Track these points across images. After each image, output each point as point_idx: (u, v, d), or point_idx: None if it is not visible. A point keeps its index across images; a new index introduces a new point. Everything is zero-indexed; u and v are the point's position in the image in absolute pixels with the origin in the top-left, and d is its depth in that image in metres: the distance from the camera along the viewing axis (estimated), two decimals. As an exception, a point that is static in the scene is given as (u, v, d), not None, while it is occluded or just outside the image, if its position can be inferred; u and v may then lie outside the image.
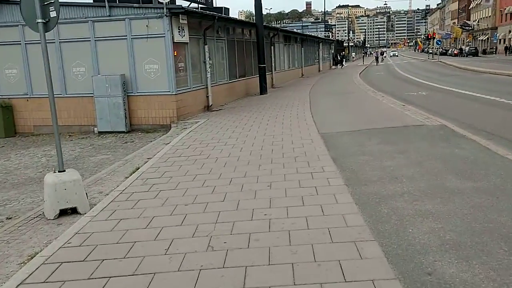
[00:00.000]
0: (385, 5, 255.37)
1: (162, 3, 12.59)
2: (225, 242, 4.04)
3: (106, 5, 12.88)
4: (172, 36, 12.81)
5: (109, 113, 13.04)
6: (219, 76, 16.83)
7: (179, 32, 13.18)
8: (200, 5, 16.88)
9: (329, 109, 12.89)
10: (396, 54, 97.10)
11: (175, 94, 13.00)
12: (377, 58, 57.15)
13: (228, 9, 23.51)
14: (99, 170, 8.26)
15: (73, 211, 5.39)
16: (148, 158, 8.20)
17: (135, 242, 4.21)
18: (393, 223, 4.22)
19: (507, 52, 67.26)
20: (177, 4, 14.85)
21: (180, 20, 13.03)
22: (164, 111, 13.13)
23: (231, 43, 18.15)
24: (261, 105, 15.34)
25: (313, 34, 48.80)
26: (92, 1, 14.12)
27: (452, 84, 20.49)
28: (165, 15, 12.57)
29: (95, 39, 13.15)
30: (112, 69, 13.15)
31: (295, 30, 38.80)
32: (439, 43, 66.49)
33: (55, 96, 5.83)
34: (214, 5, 20.12)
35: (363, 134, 8.56)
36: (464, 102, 13.88)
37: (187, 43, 13.82)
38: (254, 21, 19.68)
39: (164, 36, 12.75)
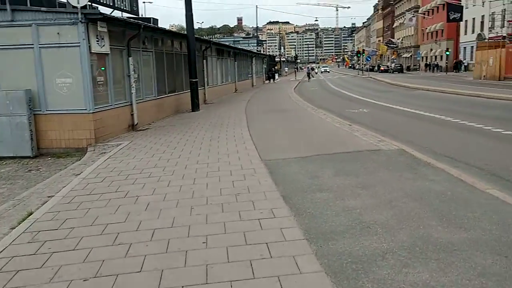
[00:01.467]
0: (315, 21, 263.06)
1: (76, 7, 10.81)
2: None
3: (8, 8, 10.87)
4: (89, 46, 11.04)
5: (10, 134, 10.94)
6: (146, 91, 15.14)
7: (97, 41, 11.43)
8: (124, 13, 15.15)
9: (269, 129, 11.65)
10: (328, 70, 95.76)
11: (93, 112, 11.18)
12: (308, 74, 54.86)
13: (157, 20, 21.86)
14: (-18, 214, 6.37)
15: None
16: (48, 197, 6.43)
17: None
18: (386, 311, 2.92)
19: (428, 69, 70.79)
20: (98, 10, 13.07)
21: (99, 27, 11.28)
22: (80, 132, 11.25)
23: (160, 55, 16.53)
24: (193, 124, 13.83)
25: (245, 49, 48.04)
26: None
27: (390, 100, 20.14)
28: (80, 21, 10.79)
29: (-6, 47, 11.07)
30: (15, 83, 11.09)
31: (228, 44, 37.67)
32: (369, 59, 68.57)
33: None
34: (142, 16, 18.46)
35: (314, 162, 7.34)
36: (410, 121, 13.19)
37: (107, 54, 12.07)
38: (185, 33, 18.19)
39: (79, 46, 10.94)
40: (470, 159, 7.61)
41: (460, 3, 56.42)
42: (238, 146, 9.28)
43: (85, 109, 11.14)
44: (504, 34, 37.37)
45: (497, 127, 10.91)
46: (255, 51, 59.05)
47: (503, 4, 37.24)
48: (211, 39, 25.43)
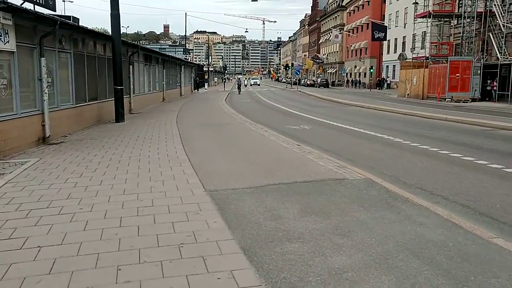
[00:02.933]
0: (246, 31, 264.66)
1: (-28, -8, 8.75)
2: None
3: None
4: (-11, 41, 9.00)
5: None
6: (63, 98, 13.07)
7: None
8: (38, 8, 13.00)
9: (208, 148, 10.20)
10: (258, 83, 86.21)
11: (-9, 122, 9.11)
12: (239, 86, 49.54)
13: (78, 19, 19.60)
14: None
15: None
16: None
17: None
18: None
19: (350, 85, 72.96)
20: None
21: (1, 19, 9.24)
22: (-27, 147, 9.11)
23: (80, 58, 14.50)
24: (118, 138, 12.02)
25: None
26: None
27: (328, 116, 19.44)
28: (-23, 9, 8.75)
29: None
30: None
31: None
32: (298, 73, 69.18)
33: None
34: (61, 13, 16.25)
35: (271, 195, 6.02)
36: (359, 141, 12.20)
37: (12, 52, 10.01)
38: (110, 34, 16.26)
39: (-26, 40, 8.87)
40: (445, 191, 6.70)
41: (384, 23, 58.74)
42: (174, 170, 7.74)
43: (-19, 118, 9.04)
44: (427, 55, 38.87)
45: (452, 151, 10.31)
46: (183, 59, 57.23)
47: (427, 27, 38.75)
48: (139, 44, 23.45)
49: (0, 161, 9.08)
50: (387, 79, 60.65)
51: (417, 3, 40.80)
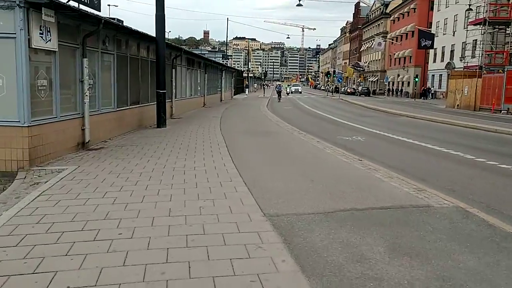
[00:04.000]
0: (287, 38, 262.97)
1: (14, -13, 8.16)
2: None
3: None
4: (29, 39, 8.38)
5: None
6: (104, 101, 12.46)
7: (41, 34, 8.77)
8: (81, 5, 12.44)
9: (259, 159, 9.25)
10: (300, 90, 78.93)
11: (29, 126, 8.46)
12: (279, 93, 45.05)
13: (122, 21, 19.16)
14: None
15: None
16: None
17: None
18: None
19: (391, 94, 70.74)
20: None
21: (44, 16, 8.63)
22: (9, 151, 8.48)
23: (123, 60, 13.90)
24: (160, 145, 11.26)
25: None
26: None
27: (380, 127, 18.12)
28: (18, 5, 8.14)
29: None
30: None
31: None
32: (340, 80, 67.68)
33: None
34: (107, 16, 15.74)
35: (345, 224, 4.98)
36: (425, 157, 10.71)
37: (54, 51, 9.41)
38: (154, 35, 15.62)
39: (14, 37, 8.26)
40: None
41: (431, 31, 56.51)
42: (224, 186, 6.81)
43: (18, 121, 8.41)
44: (480, 64, 36.82)
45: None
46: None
47: (481, 34, 36.72)
48: (182, 47, 22.90)
49: (37, 168, 8.44)
50: (432, 88, 58.24)
51: (470, 9, 38.73)
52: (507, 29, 38.19)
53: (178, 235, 4.64)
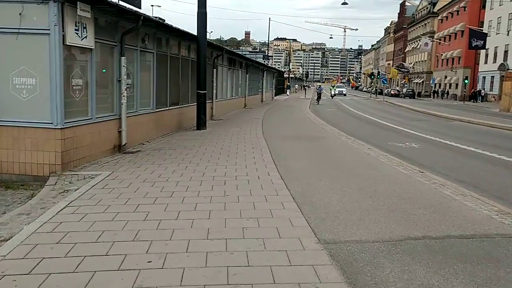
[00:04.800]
0: (330, 38, 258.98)
1: (48, -20, 7.66)
2: None
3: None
4: (64, 36, 7.87)
5: None
6: (142, 102, 11.93)
7: (76, 30, 8.25)
8: (120, 1, 11.93)
9: (306, 169, 8.38)
10: (344, 92, 72.18)
11: (62, 128, 7.94)
12: (319, 95, 42.13)
13: (164, 20, 18.71)
14: None
15: None
16: None
17: None
18: None
19: (437, 96, 67.91)
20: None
21: (79, 11, 8.10)
22: (41, 154, 8.00)
23: (163, 59, 13.36)
24: (199, 149, 10.58)
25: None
26: None
27: (433, 132, 16.78)
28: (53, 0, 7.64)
29: None
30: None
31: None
32: (385, 82, 65.60)
33: None
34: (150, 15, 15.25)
35: (421, 258, 4.04)
36: (496, 169, 9.44)
37: (91, 49, 8.89)
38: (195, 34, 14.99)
39: (48, 34, 7.76)
40: None
41: (482, 30, 53.75)
42: (269, 201, 5.99)
43: (51, 123, 7.91)
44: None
45: None
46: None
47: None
48: (224, 47, 22.30)
49: (69, 173, 7.91)
50: (483, 91, 55.36)
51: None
52: None
53: (217, 266, 3.86)
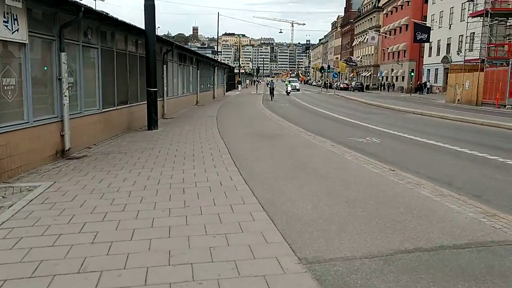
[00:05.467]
0: (280, 32, 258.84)
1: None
2: None
3: None
4: (-9, 29, 6.85)
5: None
6: (88, 102, 10.93)
7: (5, 22, 7.23)
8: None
9: (271, 171, 7.75)
10: (297, 87, 66.14)
11: (-8, 134, 6.94)
12: (272, 90, 39.41)
13: (107, 13, 17.51)
14: None
15: None
16: None
17: None
18: None
19: (383, 88, 69.54)
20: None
21: (8, 1, 7.08)
22: (-32, 166, 6.95)
23: (108, 54, 12.35)
24: (152, 152, 9.75)
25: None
26: None
27: (391, 126, 16.62)
28: (-25, -14, 6.60)
29: None
30: None
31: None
32: (336, 75, 66.26)
33: None
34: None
35: (418, 278, 3.53)
36: (464, 164, 9.33)
37: (24, 44, 7.86)
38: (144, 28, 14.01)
39: (-29, 26, 6.72)
40: None
41: (426, 24, 55.29)
42: (236, 211, 5.34)
43: (-21, 129, 6.87)
44: (482, 58, 35.62)
45: None
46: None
47: (482, 26, 35.53)
48: (174, 41, 21.32)
49: (3, 185, 6.90)
50: (428, 83, 57.09)
51: (471, 0, 37.49)
52: (507, 20, 37.07)
53: (184, 304, 3.17)
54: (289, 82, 57.05)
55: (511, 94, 29.44)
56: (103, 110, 11.79)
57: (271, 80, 45.59)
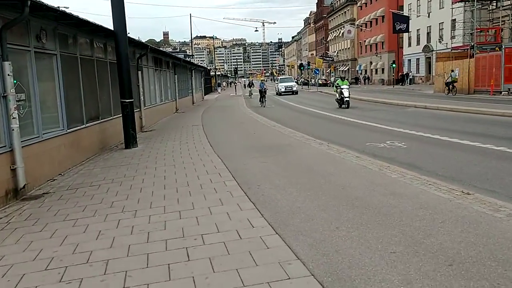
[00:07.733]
0: (255, 31, 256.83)
1: None
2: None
3: None
4: None
5: None
6: (47, 122, 8.71)
7: None
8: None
9: (301, 206, 5.70)
10: (294, 89, 47.33)
11: None
12: (263, 94, 30.27)
13: (67, 7, 15.23)
14: None
15: None
16: None
17: None
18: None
19: (362, 82, 68.40)
20: None
21: None
22: None
23: (71, 62, 10.11)
24: (133, 185, 7.55)
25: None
26: None
27: (403, 124, 14.20)
28: None
29: None
30: None
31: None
32: (317, 72, 64.65)
33: None
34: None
35: None
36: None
37: None
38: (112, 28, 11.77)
39: None
40: None
41: (403, 13, 54.09)
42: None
43: None
44: (464, 44, 34.31)
45: None
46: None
47: (464, 12, 34.19)
48: (148, 44, 19.05)
49: None
50: (410, 74, 55.92)
51: (455, -15, 36.22)
52: (491, 4, 35.85)
53: None
54: (280, 81, 47.45)
55: (506, 79, 28.09)
56: (68, 131, 9.55)
57: (250, 80, 43.00)
